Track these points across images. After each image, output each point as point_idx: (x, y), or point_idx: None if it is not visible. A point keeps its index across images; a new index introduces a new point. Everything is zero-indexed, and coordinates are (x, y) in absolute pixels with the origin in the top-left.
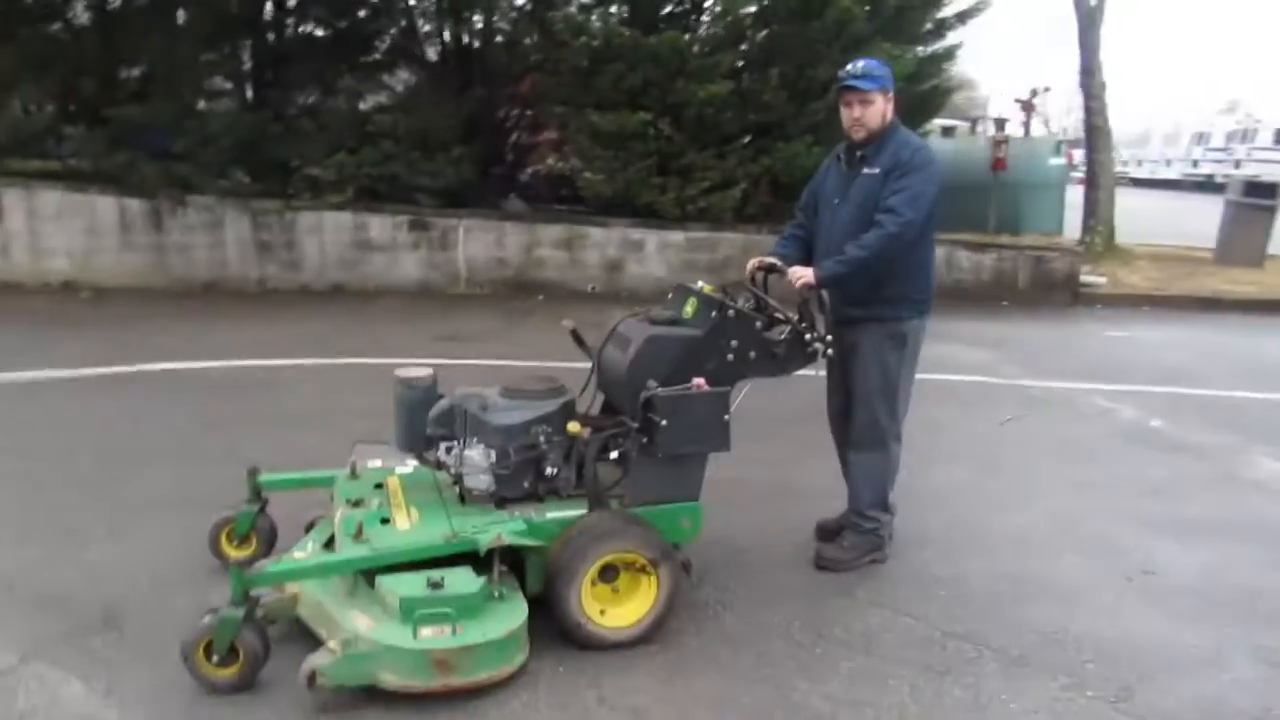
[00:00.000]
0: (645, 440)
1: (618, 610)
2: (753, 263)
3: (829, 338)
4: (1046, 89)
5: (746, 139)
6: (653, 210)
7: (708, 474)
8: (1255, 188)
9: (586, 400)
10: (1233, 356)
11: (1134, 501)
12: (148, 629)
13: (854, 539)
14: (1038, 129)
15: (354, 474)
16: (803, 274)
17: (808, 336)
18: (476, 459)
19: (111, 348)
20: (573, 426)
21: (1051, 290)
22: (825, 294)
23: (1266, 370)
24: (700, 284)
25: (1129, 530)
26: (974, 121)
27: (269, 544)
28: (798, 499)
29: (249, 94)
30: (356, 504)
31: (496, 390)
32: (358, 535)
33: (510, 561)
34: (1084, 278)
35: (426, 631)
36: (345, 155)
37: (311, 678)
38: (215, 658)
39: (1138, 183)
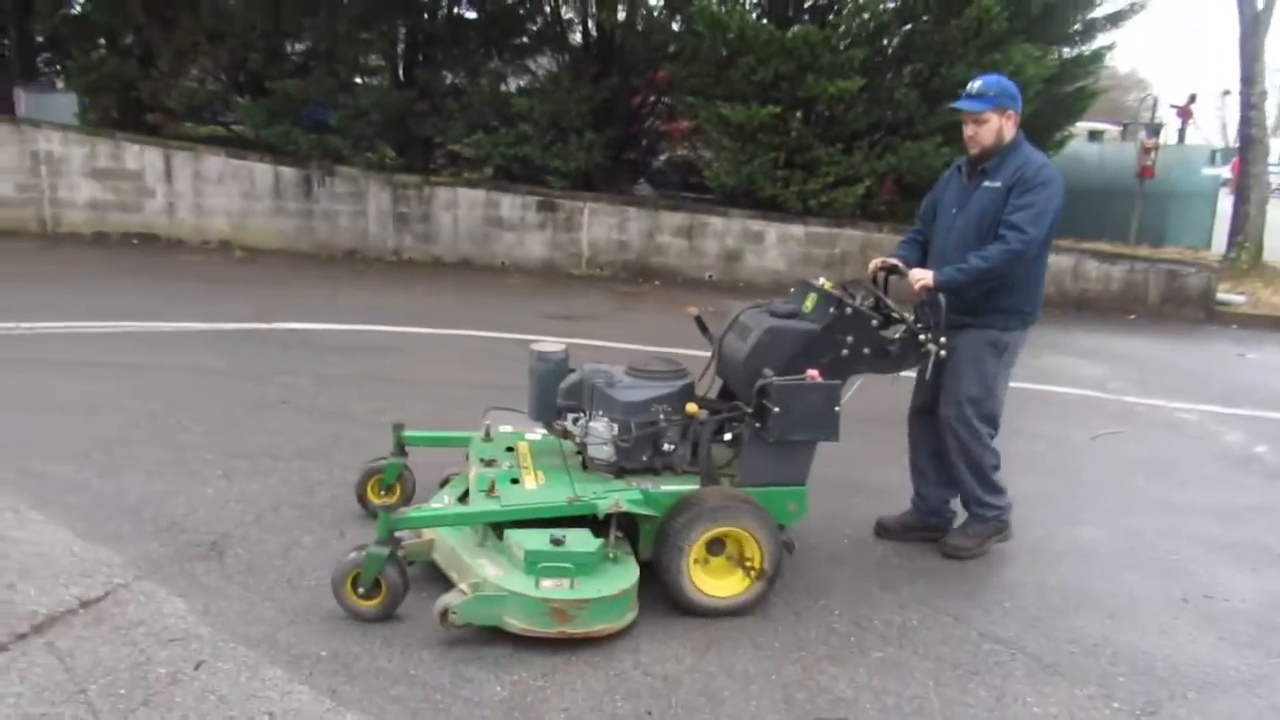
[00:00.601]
0: (758, 425)
1: (721, 581)
2: (875, 262)
3: (944, 339)
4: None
5: (874, 136)
6: (775, 203)
7: None
8: None
9: (706, 384)
10: None
11: (1212, 525)
12: (245, 561)
13: (977, 527)
14: (1195, 137)
15: (488, 437)
16: (922, 276)
17: (922, 337)
18: (601, 430)
19: (254, 305)
20: (690, 407)
21: (1184, 306)
22: (941, 298)
23: None
24: (821, 280)
25: (1199, 553)
26: (1125, 126)
27: (409, 495)
28: (863, 496)
29: (400, 73)
30: (489, 464)
31: (623, 369)
32: (490, 491)
33: (625, 528)
34: (1221, 295)
35: (547, 583)
36: (483, 135)
37: (444, 614)
38: (361, 589)
39: None
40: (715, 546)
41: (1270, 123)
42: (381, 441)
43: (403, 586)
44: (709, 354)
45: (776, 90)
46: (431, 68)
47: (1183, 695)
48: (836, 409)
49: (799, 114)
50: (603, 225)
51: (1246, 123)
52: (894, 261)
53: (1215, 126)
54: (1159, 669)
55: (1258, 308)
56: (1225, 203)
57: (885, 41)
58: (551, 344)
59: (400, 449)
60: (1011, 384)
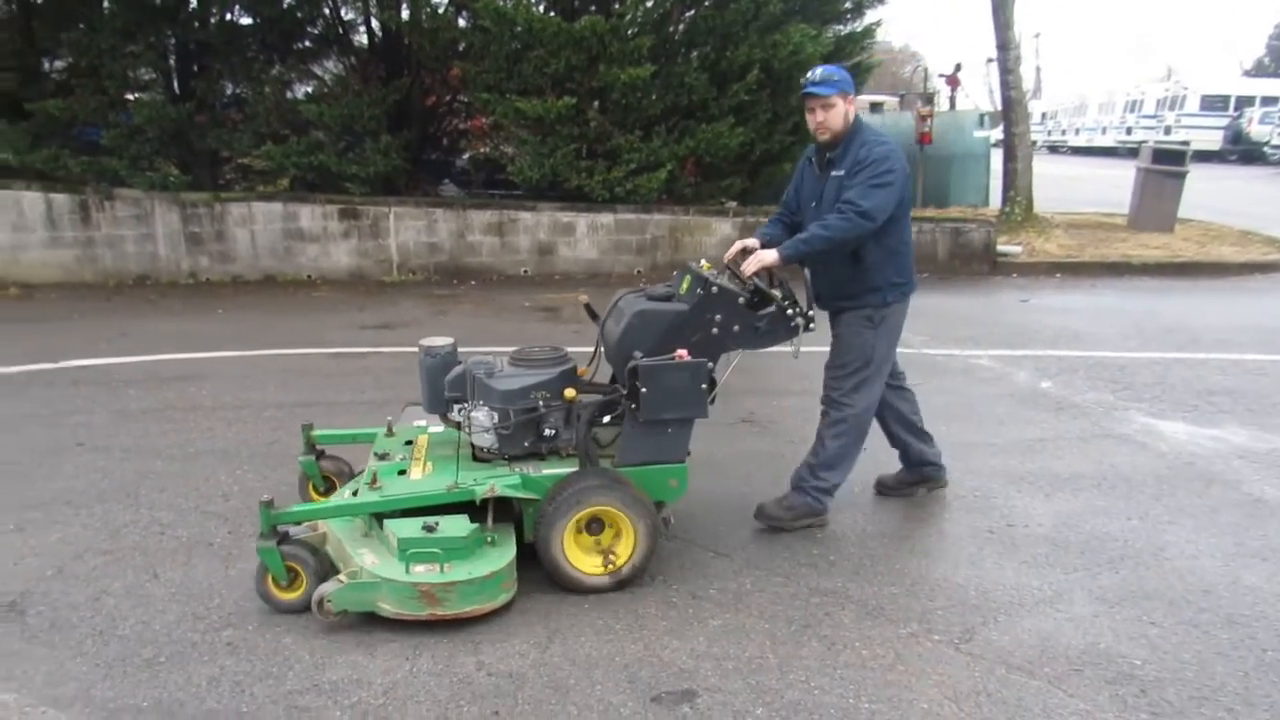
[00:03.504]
0: (633, 406)
1: (600, 559)
2: (734, 247)
3: (811, 312)
4: (959, 66)
5: (670, 121)
6: (582, 193)
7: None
8: (1165, 155)
9: (595, 370)
10: (1129, 319)
11: (1009, 459)
12: (48, 618)
13: (794, 499)
14: (965, 103)
15: (390, 432)
16: (764, 256)
17: (790, 312)
18: (481, 419)
19: (37, 344)
20: (569, 392)
21: (970, 261)
22: (807, 272)
23: (1157, 331)
24: (701, 262)
25: (999, 486)
26: (902, 96)
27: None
28: (707, 475)
29: (175, 85)
30: (383, 457)
31: (506, 358)
32: (373, 484)
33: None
34: (1001, 247)
35: (419, 569)
36: (273, 145)
37: (321, 603)
38: (282, 583)
39: (1076, 150)
40: (594, 526)
41: (1029, 85)
42: (194, 474)
43: (317, 563)
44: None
45: (570, 81)
46: (208, 78)
47: (994, 619)
48: (704, 386)
49: (595, 104)
50: (410, 229)
51: (1006, 86)
52: (748, 243)
53: (983, 92)
54: (971, 597)
55: (1034, 256)
56: (997, 162)
57: (671, 28)
58: (439, 337)
59: (310, 448)
60: (814, 348)
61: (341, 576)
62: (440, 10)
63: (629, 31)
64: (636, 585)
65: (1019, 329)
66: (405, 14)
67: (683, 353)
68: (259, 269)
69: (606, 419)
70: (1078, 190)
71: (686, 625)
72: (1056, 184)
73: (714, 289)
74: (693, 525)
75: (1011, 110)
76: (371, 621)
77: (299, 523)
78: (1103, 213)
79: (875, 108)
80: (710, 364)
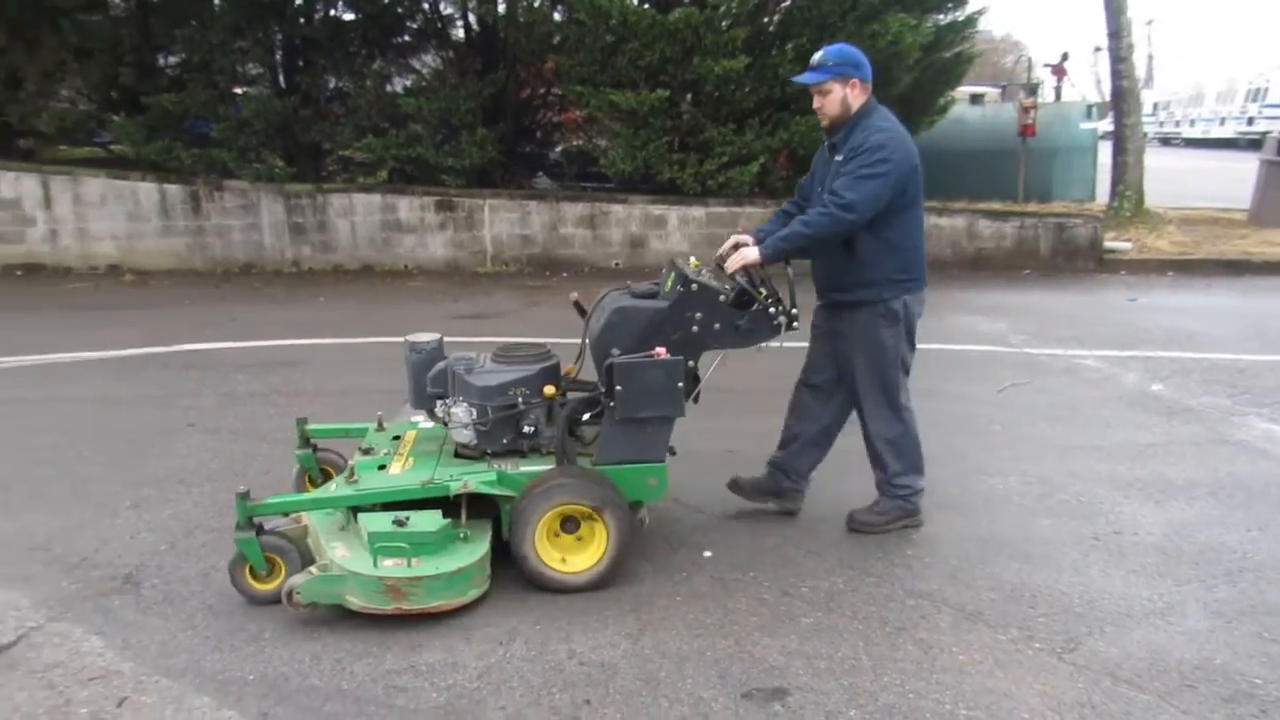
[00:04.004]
0: (612, 404)
1: (576, 557)
2: (729, 242)
3: (794, 311)
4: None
5: (763, 114)
6: (674, 186)
7: (701, 444)
8: None
9: (582, 367)
10: (1249, 320)
11: (1117, 465)
12: (162, 591)
13: (886, 504)
14: (1071, 94)
15: (380, 427)
16: (746, 254)
17: (772, 310)
18: (460, 415)
19: (151, 329)
20: (548, 389)
21: (1074, 258)
22: (790, 270)
23: (1277, 332)
24: (690, 259)
25: (1106, 492)
26: (1004, 87)
27: None
28: None
29: (280, 79)
30: (367, 451)
31: (489, 355)
32: (350, 477)
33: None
34: (1108, 244)
35: (387, 562)
36: (373, 138)
37: (290, 595)
38: (260, 574)
39: (1191, 143)
40: (570, 524)
41: (1140, 74)
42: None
43: (297, 553)
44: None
45: (664, 74)
46: (313, 73)
47: (1100, 629)
48: (680, 385)
49: (689, 96)
50: (504, 221)
51: (1117, 75)
52: (741, 238)
53: (1090, 82)
54: (1076, 606)
55: (1144, 253)
56: (1105, 155)
57: (766, 19)
58: (424, 334)
59: (305, 441)
60: (916, 345)
61: (313, 569)
62: (536, 4)
63: (723, 24)
64: (727, 580)
65: (1127, 329)
66: (502, 8)
67: (661, 351)
68: (358, 259)
69: (587, 417)
70: (1192, 184)
71: (778, 622)
72: (1169, 178)
73: (694, 286)
74: (784, 522)
75: (1122, 101)
76: (467, 607)
77: (286, 514)
78: (1220, 208)
79: (975, 99)
80: (691, 362)
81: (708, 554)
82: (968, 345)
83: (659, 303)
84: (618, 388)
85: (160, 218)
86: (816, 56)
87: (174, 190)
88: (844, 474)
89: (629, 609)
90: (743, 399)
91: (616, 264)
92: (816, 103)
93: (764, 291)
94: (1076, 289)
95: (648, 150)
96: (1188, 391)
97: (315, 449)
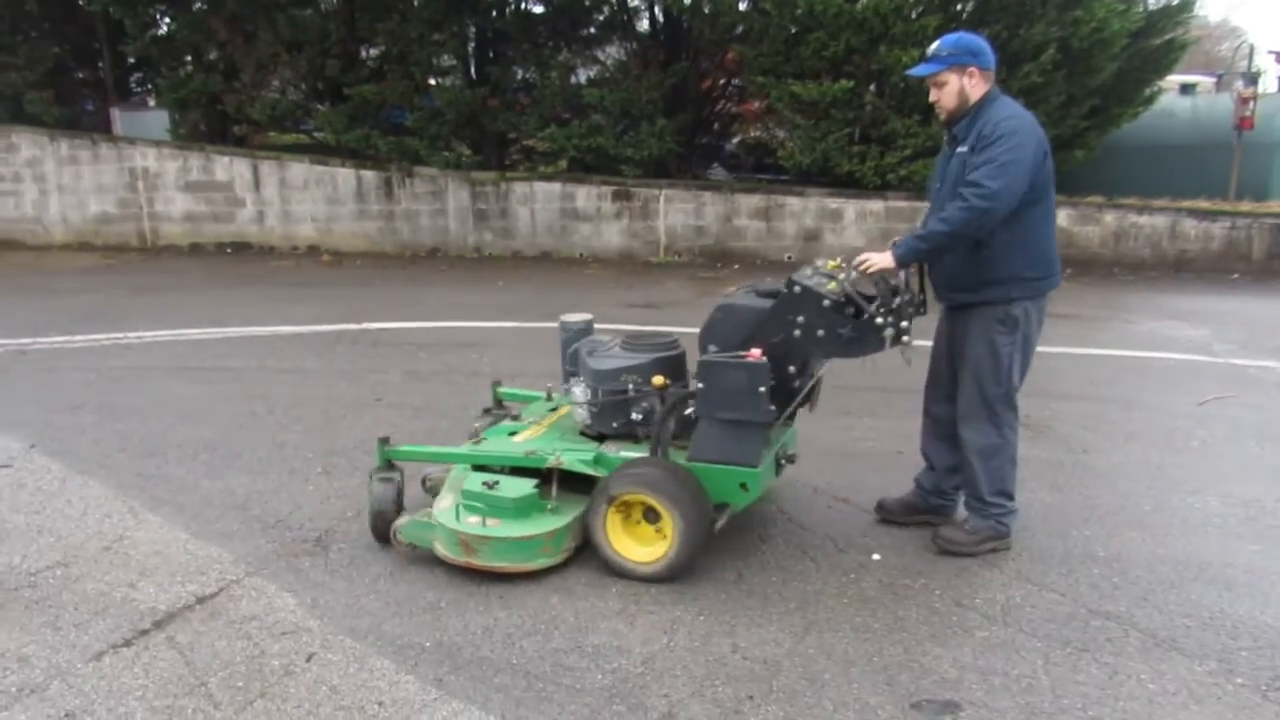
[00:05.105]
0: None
1: (648, 548)
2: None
3: (905, 324)
4: None
5: None
6: (852, 179)
7: (870, 444)
8: None
9: None
10: None
11: None
12: (348, 556)
13: (976, 523)
14: None
15: (548, 397)
16: (876, 260)
17: (879, 320)
18: (577, 394)
19: (344, 307)
20: (657, 380)
21: None
22: (904, 275)
23: None
24: (827, 261)
25: None
26: (1220, 76)
27: None
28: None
29: (472, 71)
30: (516, 418)
31: (619, 340)
32: (476, 440)
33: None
34: None
35: (470, 519)
36: (556, 128)
37: (395, 533)
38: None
39: None
40: (650, 515)
41: None
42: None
43: (389, 501)
44: None
45: (848, 64)
46: (502, 64)
47: None
48: (762, 389)
49: (872, 87)
50: (679, 211)
51: None
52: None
53: None
54: None
55: None
56: None
57: (959, 7)
58: (576, 315)
59: (498, 403)
60: (1103, 351)
61: (420, 514)
62: None
63: (913, 12)
64: (897, 586)
65: None
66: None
67: (756, 352)
68: (536, 245)
69: (689, 411)
70: None
71: (950, 634)
72: None
73: (796, 288)
74: None
75: None
76: (632, 592)
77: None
78: None
79: (1187, 89)
80: (792, 367)
81: (876, 556)
82: (1166, 353)
83: (763, 302)
84: (700, 386)
85: (356, 202)
86: (932, 47)
87: (369, 176)
88: (1025, 483)
89: (794, 607)
90: (914, 399)
91: (789, 257)
92: (933, 95)
93: (876, 299)
94: None
95: (827, 142)
96: None
97: (502, 406)
